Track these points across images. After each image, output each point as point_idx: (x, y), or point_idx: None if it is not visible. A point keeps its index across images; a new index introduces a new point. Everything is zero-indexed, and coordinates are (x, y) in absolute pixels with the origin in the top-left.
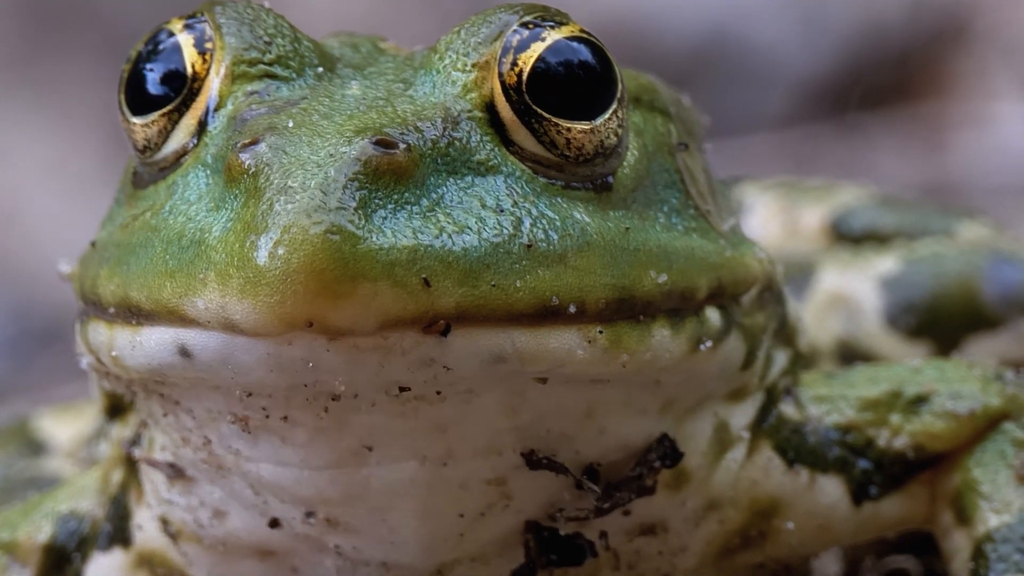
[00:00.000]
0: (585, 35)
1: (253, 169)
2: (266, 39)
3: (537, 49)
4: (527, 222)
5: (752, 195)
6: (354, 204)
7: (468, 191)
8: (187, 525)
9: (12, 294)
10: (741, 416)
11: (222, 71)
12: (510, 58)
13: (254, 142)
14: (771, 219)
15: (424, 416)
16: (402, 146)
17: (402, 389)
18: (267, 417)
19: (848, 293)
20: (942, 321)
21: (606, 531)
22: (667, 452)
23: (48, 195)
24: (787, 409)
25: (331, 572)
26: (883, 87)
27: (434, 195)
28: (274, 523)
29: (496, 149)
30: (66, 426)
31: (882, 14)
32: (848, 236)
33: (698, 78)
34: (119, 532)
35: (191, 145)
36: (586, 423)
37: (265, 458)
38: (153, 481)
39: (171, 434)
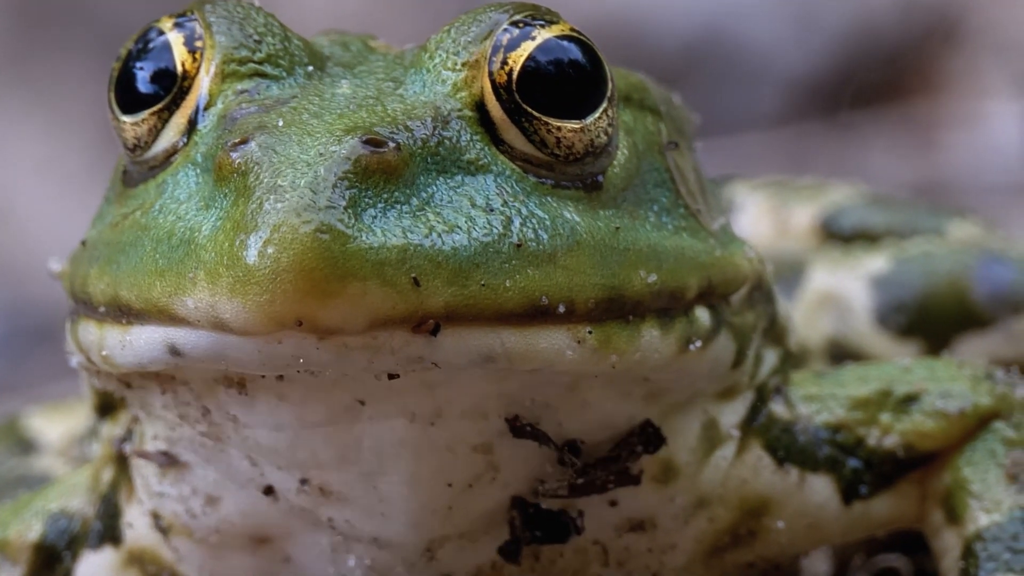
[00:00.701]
0: (575, 34)
1: (243, 168)
2: (256, 38)
3: (527, 48)
4: (517, 221)
5: (743, 194)
6: (344, 203)
7: (458, 190)
8: (179, 517)
9: (3, 292)
10: (731, 415)
11: (212, 70)
12: (500, 57)
13: (244, 141)
14: (761, 218)
15: (414, 373)
16: (392, 145)
17: (391, 376)
18: (263, 376)
19: (838, 292)
20: (932, 320)
21: (583, 510)
22: (649, 437)
23: (40, 193)
24: (777, 408)
25: (325, 552)
26: (875, 86)
27: (424, 194)
28: (268, 490)
29: (486, 148)
30: (56, 424)
31: (874, 13)
32: (838, 235)
33: (690, 77)
34: (109, 530)
35: (181, 144)
36: (569, 395)
37: (262, 422)
38: (144, 476)
39: (167, 416)
